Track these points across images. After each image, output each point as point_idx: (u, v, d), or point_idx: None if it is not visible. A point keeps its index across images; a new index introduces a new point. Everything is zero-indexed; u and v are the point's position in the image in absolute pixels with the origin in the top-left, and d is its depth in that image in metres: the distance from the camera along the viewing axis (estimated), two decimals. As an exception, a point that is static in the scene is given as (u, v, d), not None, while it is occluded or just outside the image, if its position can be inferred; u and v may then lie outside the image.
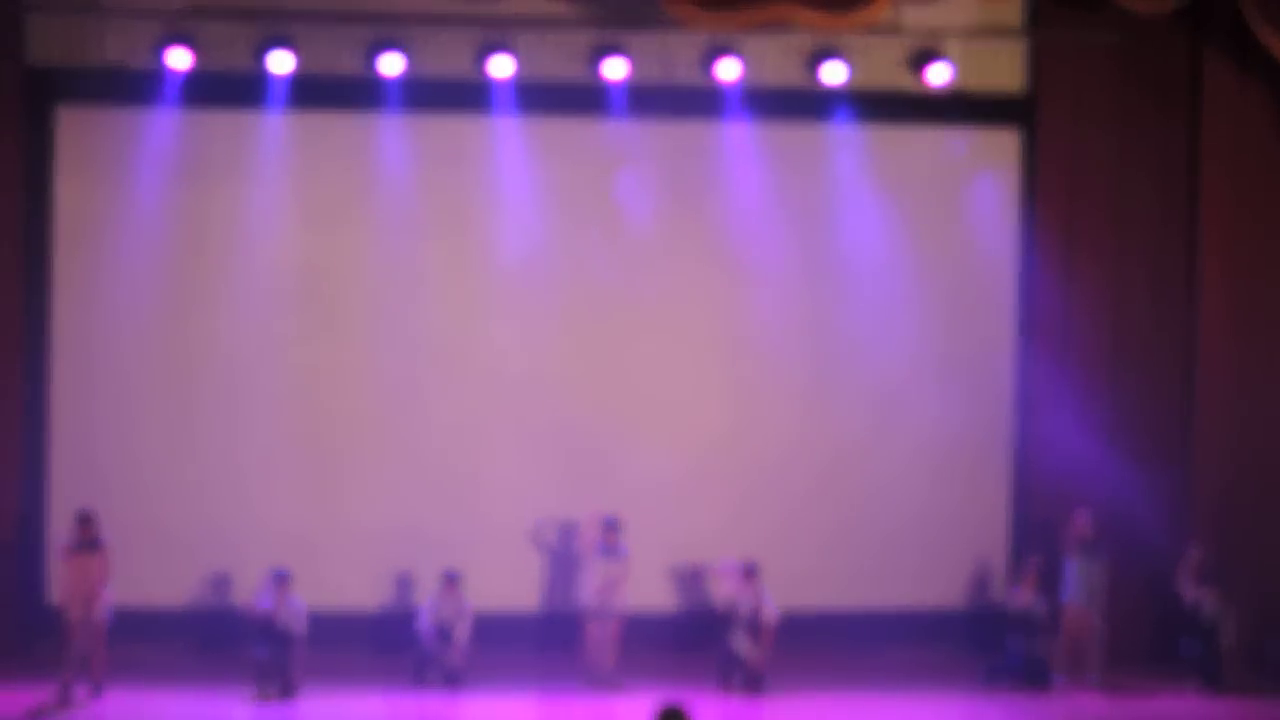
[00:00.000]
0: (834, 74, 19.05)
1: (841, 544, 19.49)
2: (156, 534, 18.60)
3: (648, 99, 19.17)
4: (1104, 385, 19.44)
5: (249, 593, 18.13)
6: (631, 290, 19.40)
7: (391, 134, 19.09)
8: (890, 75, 19.39)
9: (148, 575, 18.38)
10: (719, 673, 18.06)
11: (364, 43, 18.61)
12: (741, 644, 18.02)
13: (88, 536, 17.18)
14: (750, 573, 18.22)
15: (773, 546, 18.86)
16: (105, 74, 18.65)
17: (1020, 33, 19.70)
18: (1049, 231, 19.59)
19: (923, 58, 19.22)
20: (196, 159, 18.88)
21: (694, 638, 19.01)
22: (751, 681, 17.96)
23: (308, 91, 18.85)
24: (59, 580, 17.62)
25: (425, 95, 18.96)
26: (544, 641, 19.12)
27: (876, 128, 19.59)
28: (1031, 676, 18.37)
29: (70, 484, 18.54)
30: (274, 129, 18.96)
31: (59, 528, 18.06)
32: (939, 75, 19.18)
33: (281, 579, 17.60)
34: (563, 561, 19.19)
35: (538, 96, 19.06)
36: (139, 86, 18.61)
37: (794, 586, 18.76)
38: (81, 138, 18.88)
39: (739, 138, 19.44)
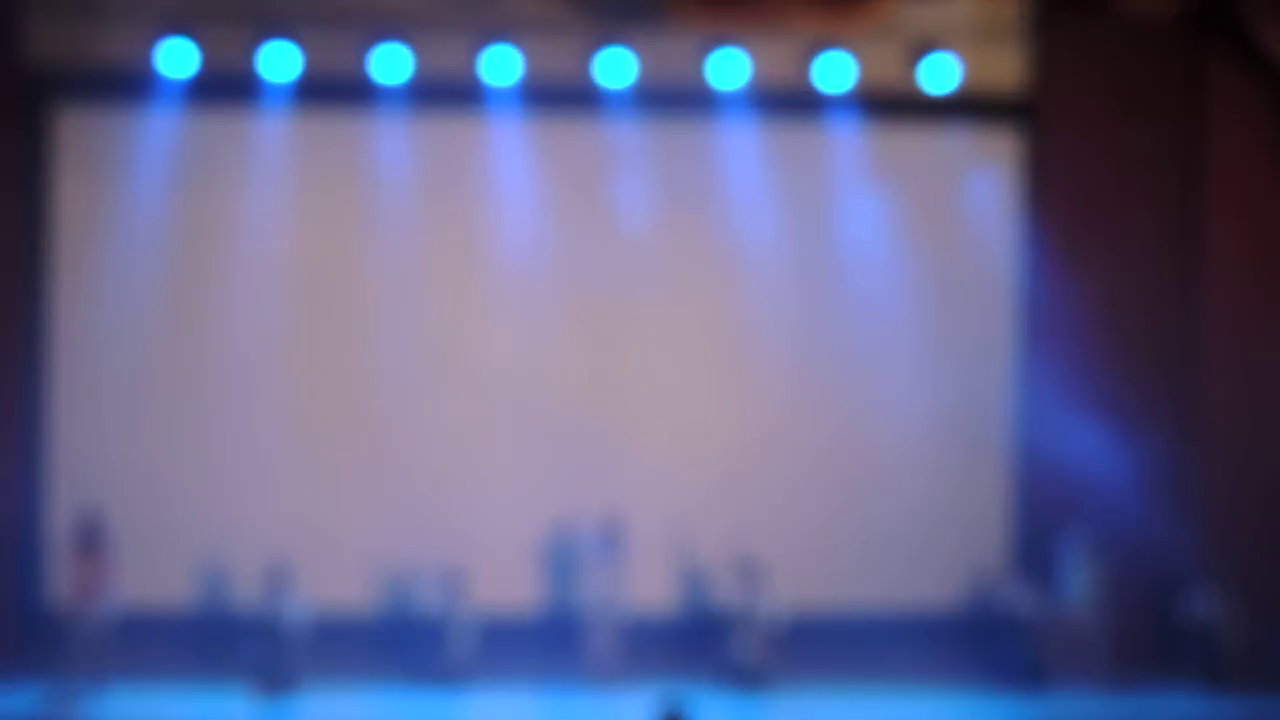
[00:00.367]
0: (834, 74, 19.05)
1: (841, 543, 19.47)
2: (156, 534, 18.58)
3: (647, 99, 19.17)
4: (1103, 384, 19.42)
5: (249, 591, 18.12)
6: (631, 289, 19.39)
7: (391, 134, 19.09)
8: (890, 75, 19.38)
9: (147, 575, 18.34)
10: (719, 672, 18.05)
11: (364, 43, 18.62)
12: (743, 644, 18.01)
13: (93, 537, 17.20)
14: (749, 570, 18.23)
15: (773, 546, 18.88)
16: (105, 74, 18.66)
17: (1020, 33, 19.69)
18: (1049, 231, 19.59)
19: (923, 58, 19.21)
20: (196, 159, 18.89)
21: (694, 637, 19.01)
22: (752, 681, 17.96)
23: (308, 91, 18.86)
24: (63, 580, 17.63)
25: (425, 95, 18.97)
26: (544, 641, 19.09)
27: (876, 128, 19.58)
28: (1031, 677, 18.35)
29: (70, 484, 18.55)
30: (274, 129, 18.97)
31: (59, 528, 18.06)
32: (939, 76, 19.18)
33: (281, 577, 17.61)
34: (563, 561, 19.19)
35: (537, 96, 19.07)
36: (139, 86, 18.63)
37: (794, 585, 18.75)
38: (81, 138, 18.90)
39: (739, 138, 19.44)
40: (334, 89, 18.94)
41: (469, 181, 19.26)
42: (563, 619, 19.01)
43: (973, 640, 19.32)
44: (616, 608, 18.23)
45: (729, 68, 18.85)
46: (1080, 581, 18.53)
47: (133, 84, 18.62)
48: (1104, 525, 18.76)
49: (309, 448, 19.03)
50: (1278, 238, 19.76)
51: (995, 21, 19.63)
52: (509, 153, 19.23)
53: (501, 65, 18.63)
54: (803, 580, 19.06)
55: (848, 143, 19.58)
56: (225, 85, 18.77)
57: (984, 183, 19.82)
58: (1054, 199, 19.66)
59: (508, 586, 19.04)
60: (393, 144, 19.08)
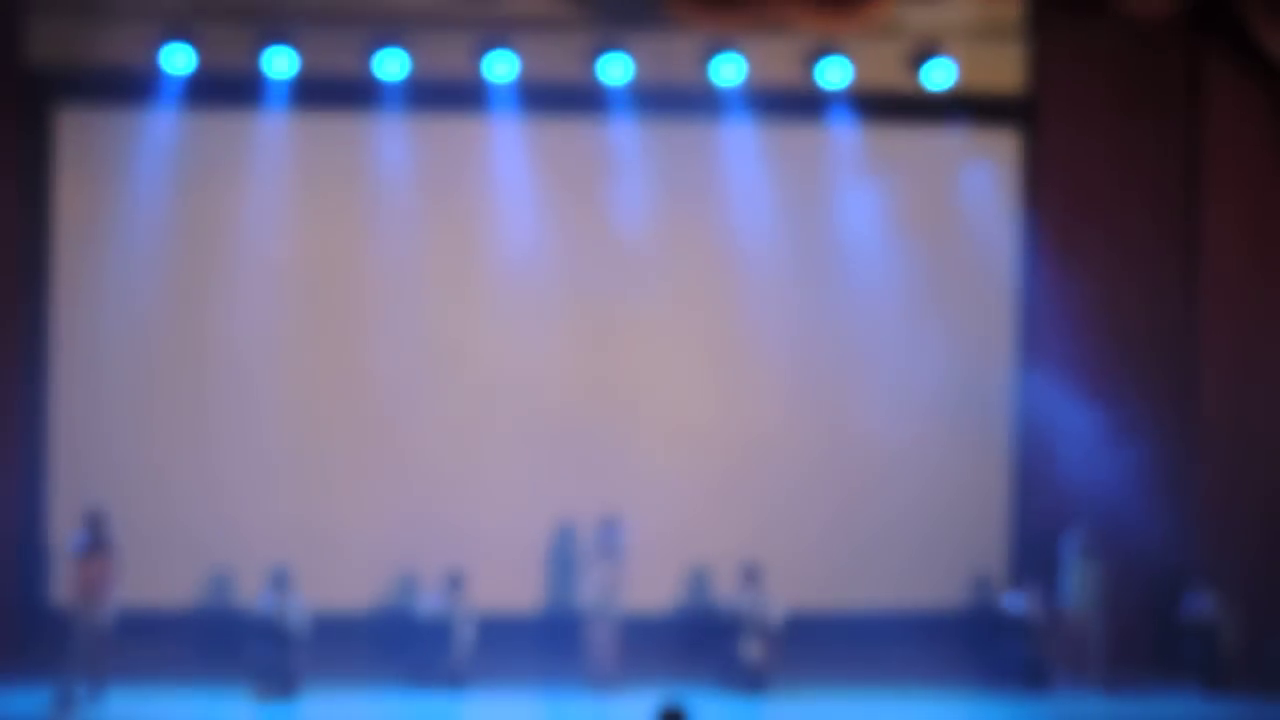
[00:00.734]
0: (834, 74, 19.07)
1: (841, 543, 19.48)
2: (156, 534, 18.57)
3: (647, 99, 19.18)
4: (1103, 384, 19.44)
5: (250, 592, 18.14)
6: (631, 289, 19.40)
7: (391, 134, 19.09)
8: (890, 75, 19.39)
9: (148, 575, 18.34)
10: (719, 673, 18.08)
11: (364, 43, 18.62)
12: (744, 645, 18.04)
13: (97, 537, 17.22)
14: (752, 574, 18.26)
15: (773, 546, 18.92)
16: (105, 74, 18.64)
17: (1020, 33, 19.70)
18: (1048, 231, 19.61)
19: (923, 58, 19.23)
20: (196, 159, 18.89)
21: (694, 638, 19.04)
22: (752, 682, 17.99)
23: (308, 91, 18.86)
24: (67, 581, 17.66)
25: (425, 95, 18.97)
26: (545, 641, 19.11)
27: (876, 128, 19.59)
28: (1031, 677, 18.39)
29: (70, 484, 18.56)
30: (274, 129, 18.97)
31: (60, 528, 18.06)
32: (939, 75, 19.19)
33: (282, 579, 17.63)
34: (563, 562, 19.20)
35: (537, 96, 19.07)
36: (139, 87, 18.63)
37: (794, 585, 18.79)
38: (81, 138, 18.90)
39: (738, 138, 19.44)
40: (334, 89, 18.93)
41: (469, 182, 19.27)
42: (563, 619, 19.02)
43: (973, 641, 19.35)
44: (616, 608, 18.24)
45: (728, 68, 18.86)
46: (1080, 582, 18.57)
47: (133, 84, 18.62)
48: (1104, 526, 18.79)
49: (310, 448, 19.03)
50: (1276, 236, 19.79)
51: (994, 21, 19.65)
52: (509, 153, 19.24)
53: (501, 65, 18.62)
54: (803, 580, 19.08)
55: (847, 142, 19.59)
56: (226, 85, 18.77)
57: (983, 182, 19.83)
58: (1052, 198, 19.68)
59: (508, 587, 19.06)
60: (393, 144, 19.08)
